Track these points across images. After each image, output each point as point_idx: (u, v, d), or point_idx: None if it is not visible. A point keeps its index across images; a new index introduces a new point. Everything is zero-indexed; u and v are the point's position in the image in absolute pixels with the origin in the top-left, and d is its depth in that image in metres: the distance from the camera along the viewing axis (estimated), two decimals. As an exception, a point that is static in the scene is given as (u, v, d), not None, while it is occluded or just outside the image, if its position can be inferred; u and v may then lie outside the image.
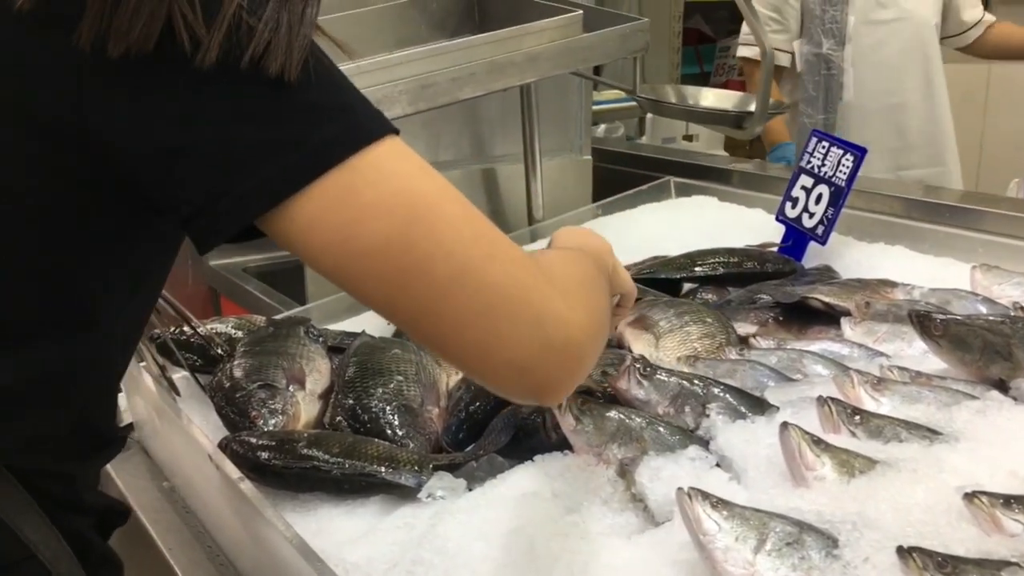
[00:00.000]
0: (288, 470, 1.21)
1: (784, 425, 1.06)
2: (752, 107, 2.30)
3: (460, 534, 1.07)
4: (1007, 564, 0.85)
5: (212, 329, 1.61)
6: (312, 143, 0.74)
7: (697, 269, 1.82)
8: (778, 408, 1.22)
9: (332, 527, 1.16)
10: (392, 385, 1.38)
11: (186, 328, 1.58)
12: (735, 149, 4.13)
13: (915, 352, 1.41)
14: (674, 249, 1.92)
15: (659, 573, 0.97)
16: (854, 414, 1.13)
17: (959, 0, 3.22)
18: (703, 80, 5.68)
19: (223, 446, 1.23)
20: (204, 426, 1.32)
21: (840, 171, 1.84)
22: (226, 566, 1.23)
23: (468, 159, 2.47)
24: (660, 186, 2.44)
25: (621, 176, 2.64)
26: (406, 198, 0.76)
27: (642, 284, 1.74)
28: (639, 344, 1.50)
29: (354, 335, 1.62)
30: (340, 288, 0.79)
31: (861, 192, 2.02)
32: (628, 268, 1.85)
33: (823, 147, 1.89)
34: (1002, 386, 1.24)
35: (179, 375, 1.55)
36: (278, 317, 1.72)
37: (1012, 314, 1.41)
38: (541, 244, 2.09)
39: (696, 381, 1.27)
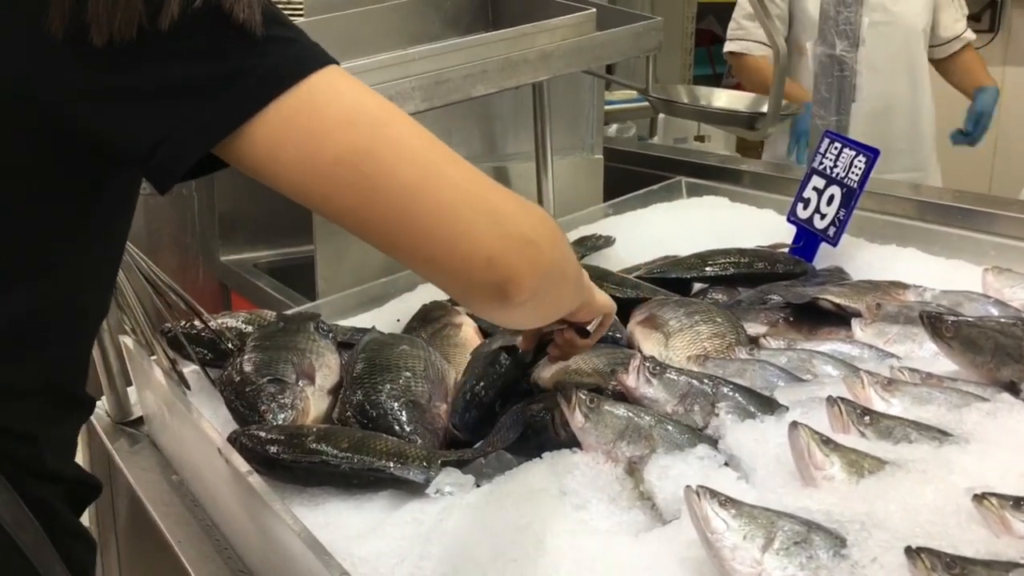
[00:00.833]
0: (297, 464, 1.21)
1: (793, 424, 1.06)
2: (764, 108, 2.30)
3: (468, 530, 1.07)
4: (1016, 566, 0.85)
5: (223, 324, 1.61)
6: (264, 68, 0.78)
7: (708, 269, 1.82)
8: (787, 408, 1.22)
9: (340, 521, 1.16)
10: (401, 381, 1.38)
11: (197, 322, 1.59)
12: (747, 150, 4.12)
13: (926, 354, 1.41)
14: (685, 249, 1.92)
15: (667, 571, 0.97)
16: (864, 414, 1.13)
17: (943, 13, 3.23)
18: (715, 81, 5.67)
19: (232, 440, 1.24)
20: (214, 420, 1.33)
21: (852, 172, 1.84)
22: (234, 559, 1.23)
23: (480, 157, 2.47)
24: (671, 186, 2.44)
25: (632, 176, 2.64)
26: (365, 110, 0.81)
27: (652, 283, 1.75)
28: (649, 343, 1.50)
29: (364, 331, 1.62)
30: (309, 206, 0.82)
31: (873, 194, 2.01)
32: (639, 267, 1.86)
33: (835, 148, 1.89)
34: (1013, 388, 1.23)
35: (189, 369, 1.56)
36: (288, 312, 1.72)
37: (1023, 316, 1.41)
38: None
39: (705, 380, 1.27)
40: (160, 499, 1.39)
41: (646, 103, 2.69)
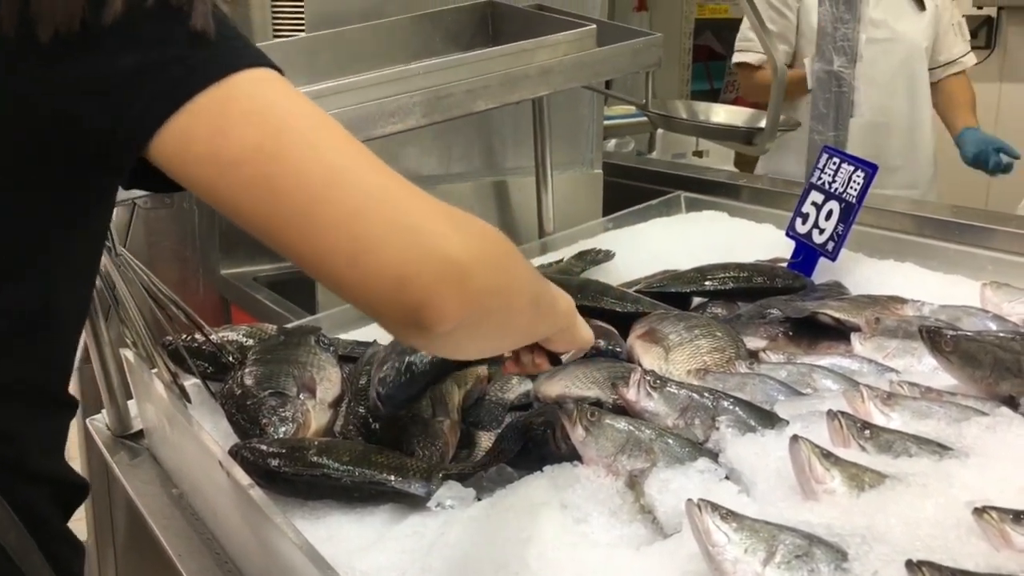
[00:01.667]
0: (298, 477, 1.22)
1: (794, 438, 1.06)
2: (762, 123, 2.31)
3: (469, 543, 1.07)
4: (1017, 579, 0.86)
5: (223, 337, 1.62)
6: (192, 61, 0.76)
7: (707, 283, 1.82)
8: (788, 422, 1.22)
9: (342, 535, 1.17)
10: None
11: (198, 335, 1.59)
12: (745, 165, 4.14)
13: (925, 368, 1.41)
14: (684, 263, 1.93)
15: (668, 584, 0.97)
16: (864, 428, 1.14)
17: (945, 35, 3.24)
18: (712, 96, 5.70)
19: (233, 453, 1.24)
20: (214, 433, 1.33)
21: (851, 187, 1.85)
22: (235, 573, 1.23)
23: (480, 171, 2.48)
24: (670, 201, 2.45)
25: (631, 190, 2.65)
26: (279, 110, 0.77)
27: (652, 298, 1.75)
28: (649, 357, 1.50)
29: (365, 345, 1.63)
30: (216, 207, 0.78)
31: (871, 209, 2.02)
32: (638, 281, 1.87)
33: (834, 163, 1.90)
34: (1012, 402, 1.24)
35: (190, 382, 1.56)
36: (289, 326, 1.73)
37: (1022, 331, 1.41)
38: (551, 257, 2.11)
39: (706, 394, 1.28)
40: (160, 512, 1.39)
41: (645, 118, 2.70)
